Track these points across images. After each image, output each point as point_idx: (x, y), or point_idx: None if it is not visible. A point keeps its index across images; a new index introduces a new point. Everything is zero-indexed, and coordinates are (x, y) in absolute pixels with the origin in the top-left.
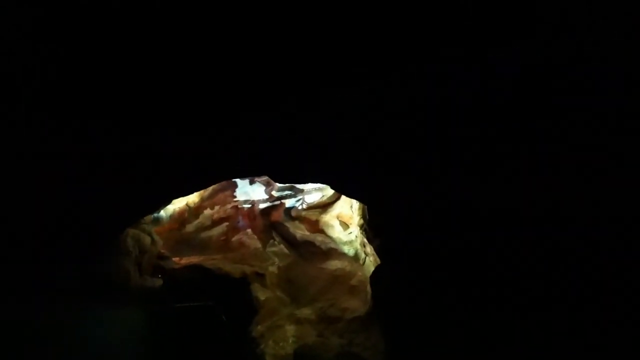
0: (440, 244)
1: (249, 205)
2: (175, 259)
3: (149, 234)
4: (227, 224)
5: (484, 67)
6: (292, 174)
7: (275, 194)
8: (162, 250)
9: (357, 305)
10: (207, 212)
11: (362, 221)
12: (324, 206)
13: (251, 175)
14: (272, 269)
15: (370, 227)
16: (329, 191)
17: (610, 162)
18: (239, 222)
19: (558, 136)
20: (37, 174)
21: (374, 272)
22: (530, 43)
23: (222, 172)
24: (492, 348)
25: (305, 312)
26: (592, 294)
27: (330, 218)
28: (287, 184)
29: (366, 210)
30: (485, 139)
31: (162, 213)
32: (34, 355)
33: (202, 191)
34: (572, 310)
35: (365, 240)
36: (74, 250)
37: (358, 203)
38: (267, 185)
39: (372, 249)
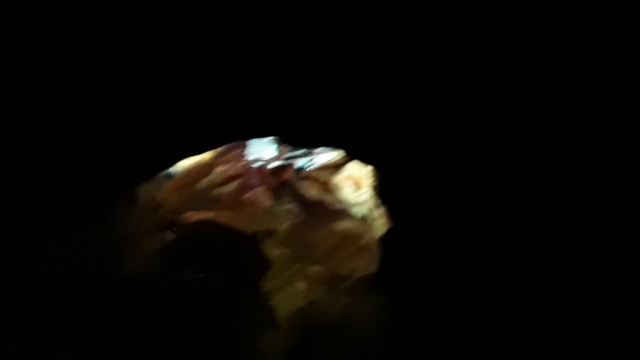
0: (451, 214)
1: (260, 164)
2: (188, 215)
3: (161, 189)
4: (238, 181)
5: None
6: (303, 137)
7: (286, 153)
8: (175, 206)
9: (365, 265)
10: (219, 169)
11: (373, 183)
12: (335, 166)
13: (263, 136)
14: (283, 227)
15: (382, 190)
16: (340, 151)
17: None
18: (250, 180)
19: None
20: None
21: (383, 235)
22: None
23: (233, 134)
24: (495, 316)
25: (314, 270)
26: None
27: (341, 179)
28: None
29: (378, 172)
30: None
31: (175, 169)
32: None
33: None
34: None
35: (375, 202)
36: (87, 209)
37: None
38: (279, 144)
39: (383, 211)
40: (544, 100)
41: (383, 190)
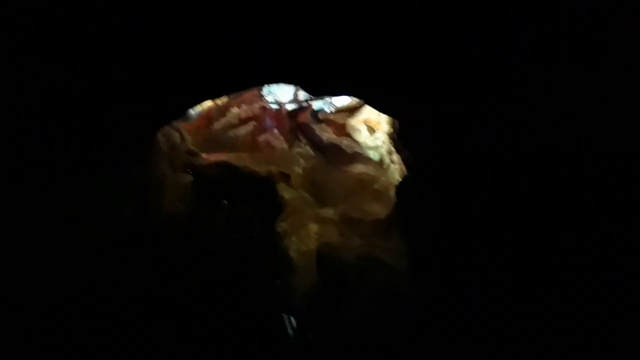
0: (470, 165)
1: (276, 106)
2: (204, 156)
3: (178, 131)
4: (254, 123)
5: None
6: (322, 86)
7: (303, 95)
8: (191, 147)
9: (379, 209)
10: (235, 110)
11: (390, 130)
12: (352, 110)
13: (280, 82)
14: (298, 169)
15: (400, 138)
16: None
17: None
18: (265, 122)
19: None
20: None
21: (400, 182)
22: None
23: (250, 78)
24: (513, 264)
25: (329, 212)
26: None
27: (357, 122)
28: None
29: (394, 120)
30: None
31: (190, 110)
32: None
33: None
34: None
35: (392, 148)
36: (112, 154)
37: None
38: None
39: (399, 157)
40: (544, 100)
41: (400, 138)
